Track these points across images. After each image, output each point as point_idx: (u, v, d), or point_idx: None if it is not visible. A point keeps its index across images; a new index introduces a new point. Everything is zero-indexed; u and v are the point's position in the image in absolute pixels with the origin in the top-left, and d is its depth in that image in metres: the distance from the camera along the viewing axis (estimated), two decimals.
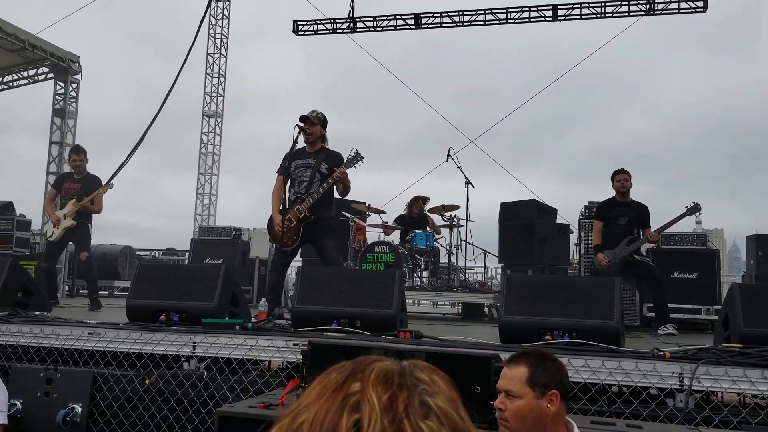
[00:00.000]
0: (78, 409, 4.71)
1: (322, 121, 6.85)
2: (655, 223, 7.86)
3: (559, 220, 11.91)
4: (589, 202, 9.73)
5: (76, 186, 8.49)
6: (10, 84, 15.80)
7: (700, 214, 7.77)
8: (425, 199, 11.25)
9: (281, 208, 6.61)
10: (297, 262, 10.56)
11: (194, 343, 4.89)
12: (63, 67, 14.49)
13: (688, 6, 14.50)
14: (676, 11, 14.58)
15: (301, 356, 3.88)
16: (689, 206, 7.73)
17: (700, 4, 14.41)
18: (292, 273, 10.14)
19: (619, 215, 7.88)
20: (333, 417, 0.81)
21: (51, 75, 14.89)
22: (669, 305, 7.54)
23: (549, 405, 2.69)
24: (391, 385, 0.83)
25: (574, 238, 11.11)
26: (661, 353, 4.18)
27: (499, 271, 12.80)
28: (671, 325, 7.21)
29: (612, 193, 8.05)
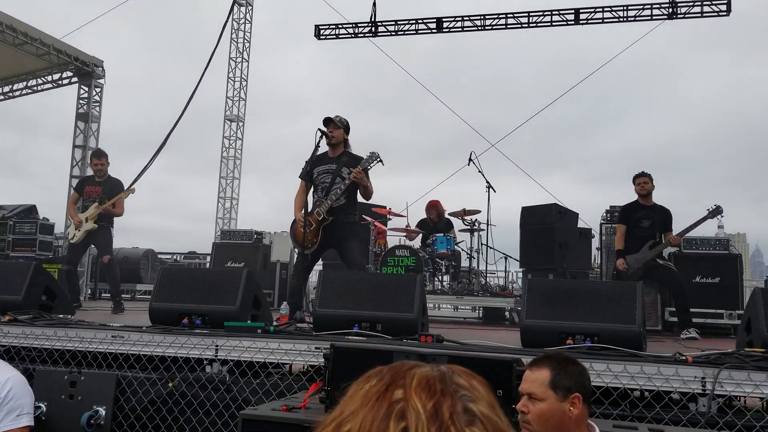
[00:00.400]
0: (102, 411, 4.75)
1: (345, 126, 6.88)
2: (677, 227, 7.82)
3: (580, 225, 11.87)
4: (610, 206, 9.67)
5: (98, 189, 8.57)
6: (35, 88, 15.96)
7: (722, 216, 7.71)
8: (436, 203, 11.26)
9: (303, 211, 6.64)
10: (318, 266, 10.61)
11: (217, 346, 4.92)
12: (87, 72, 14.62)
13: (711, 9, 14.40)
14: (699, 15, 14.49)
15: (323, 359, 3.89)
16: (710, 209, 7.67)
17: (723, 7, 14.31)
18: (312, 277, 10.19)
19: (642, 218, 7.84)
20: (379, 426, 0.81)
21: (75, 79, 15.02)
22: (691, 310, 7.49)
23: (571, 408, 2.70)
24: (435, 393, 0.84)
25: (595, 242, 11.06)
26: (684, 358, 4.16)
27: (520, 275, 12.76)
28: (693, 330, 7.17)
29: (635, 197, 8.01)
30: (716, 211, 7.64)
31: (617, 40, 15.90)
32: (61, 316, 6.05)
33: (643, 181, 7.88)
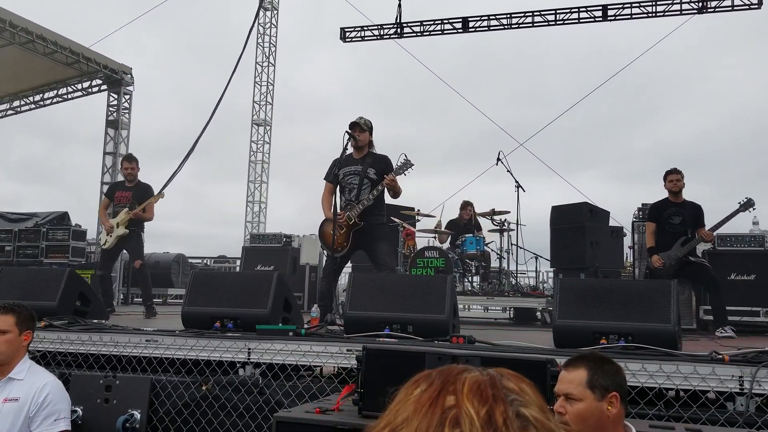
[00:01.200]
0: (137, 415, 4.79)
1: (370, 128, 6.93)
2: (709, 224, 7.71)
3: (612, 223, 11.76)
4: (642, 204, 9.58)
5: (128, 194, 8.66)
6: (65, 96, 16.20)
7: (754, 209, 7.59)
8: (468, 204, 11.24)
9: (333, 214, 6.67)
10: (348, 268, 10.62)
11: (249, 349, 4.94)
12: (116, 79, 14.80)
13: (742, 3, 14.19)
14: (730, 8, 14.29)
15: (356, 361, 3.89)
16: (742, 202, 7.57)
17: (755, 0, 14.10)
18: (342, 280, 10.20)
19: (673, 215, 7.76)
20: None
21: (104, 87, 15.22)
22: (727, 308, 7.39)
23: (609, 407, 2.67)
24: (487, 398, 0.83)
25: (627, 240, 10.95)
26: (720, 356, 4.10)
27: (551, 275, 12.69)
28: (729, 328, 7.07)
29: (665, 194, 7.93)
30: (748, 204, 7.53)
31: (649, 35, 15.71)
32: (96, 321, 6.12)
33: (675, 179, 7.80)
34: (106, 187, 14.19)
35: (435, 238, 10.88)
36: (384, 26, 16.66)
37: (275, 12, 19.21)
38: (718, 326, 7.17)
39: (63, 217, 13.59)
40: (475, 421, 0.80)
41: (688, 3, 14.55)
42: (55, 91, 16.19)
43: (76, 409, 4.74)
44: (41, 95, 16.48)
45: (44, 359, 5.39)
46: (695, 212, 7.78)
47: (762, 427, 3.72)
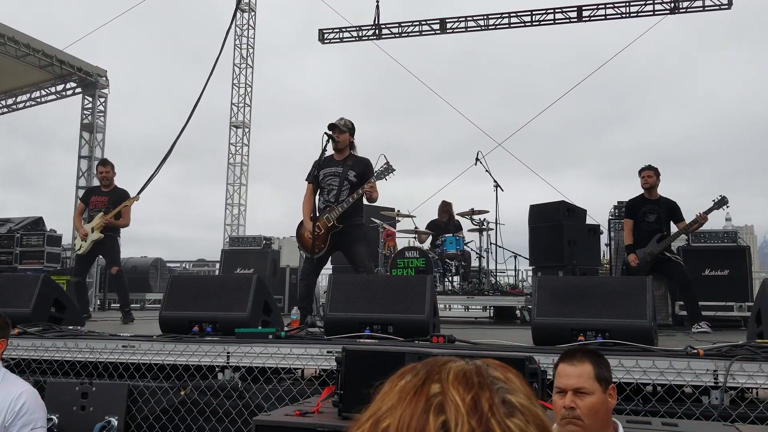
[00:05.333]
0: (114, 422, 4.75)
1: (351, 129, 6.90)
2: (686, 218, 7.79)
3: (588, 221, 11.83)
4: (618, 202, 9.66)
5: (104, 199, 8.57)
6: (39, 100, 16.04)
7: (727, 207, 7.67)
8: (448, 204, 11.27)
9: (311, 215, 6.65)
10: (328, 270, 10.59)
11: (228, 353, 4.92)
12: (90, 82, 14.68)
13: (712, 3, 14.39)
14: (701, 9, 14.50)
15: (335, 363, 3.88)
16: (716, 200, 7.65)
17: (725, 0, 14.30)
18: (323, 281, 10.17)
19: (648, 212, 7.86)
20: (419, 420, 0.80)
21: (79, 90, 15.09)
22: (701, 303, 7.49)
23: (610, 399, 2.71)
24: (472, 385, 0.83)
25: (604, 238, 11.03)
26: (695, 351, 4.15)
27: (530, 273, 12.74)
28: (705, 323, 7.14)
29: (641, 192, 8.01)
30: (722, 202, 7.62)
31: (631, 36, 15.88)
32: (71, 327, 6.06)
33: (647, 175, 7.90)
34: (81, 192, 14.08)
35: (415, 238, 10.88)
36: (362, 27, 16.68)
37: (253, 14, 19.13)
38: (694, 322, 7.24)
39: (38, 223, 13.44)
40: (461, 407, 0.80)
41: (660, 3, 14.71)
42: (29, 95, 16.02)
43: (52, 417, 4.69)
44: (14, 99, 16.31)
45: (18, 367, 5.33)
46: (670, 209, 7.88)
47: (736, 419, 3.76)
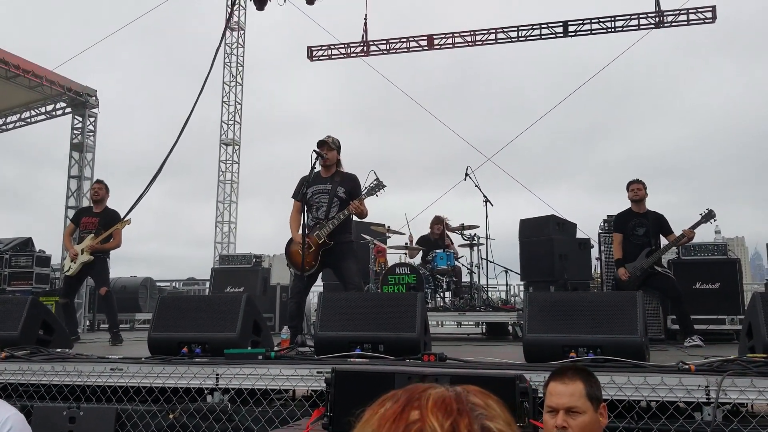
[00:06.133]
0: None
1: (338, 147, 6.93)
2: (675, 230, 7.80)
3: (579, 235, 11.85)
4: (607, 216, 9.66)
5: (95, 220, 8.52)
6: (28, 120, 15.97)
7: (715, 220, 7.71)
8: (440, 220, 11.25)
9: (301, 234, 6.63)
10: (318, 287, 10.55)
11: (217, 374, 4.87)
12: (80, 102, 14.65)
13: (696, 17, 14.54)
14: (686, 23, 14.63)
15: (325, 384, 3.85)
16: (703, 213, 7.70)
17: (709, 15, 14.49)
18: (313, 299, 10.13)
19: (637, 226, 7.87)
20: None
21: (69, 110, 15.06)
22: (693, 316, 7.49)
23: (601, 418, 2.69)
24: (451, 412, 0.82)
25: (595, 252, 11.04)
26: (687, 366, 4.13)
27: (522, 288, 12.73)
28: (697, 337, 7.14)
29: (629, 205, 8.02)
30: (709, 216, 7.66)
31: (620, 49, 16.00)
32: (59, 350, 5.99)
33: (636, 188, 7.92)
34: (70, 212, 14.01)
35: (406, 253, 10.86)
36: (351, 45, 16.74)
37: (242, 32, 19.18)
38: (686, 336, 7.24)
39: (27, 243, 13.36)
40: None
41: (645, 18, 14.81)
42: (18, 115, 15.96)
43: None
44: (3, 119, 16.24)
45: (5, 392, 5.27)
46: (659, 222, 7.90)
47: None
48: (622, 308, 4.75)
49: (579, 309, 4.85)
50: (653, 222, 7.86)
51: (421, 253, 10.92)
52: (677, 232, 7.74)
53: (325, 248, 6.65)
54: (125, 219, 8.58)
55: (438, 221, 11.27)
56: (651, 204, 7.99)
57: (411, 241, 11.12)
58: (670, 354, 6.08)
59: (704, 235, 7.68)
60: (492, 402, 0.89)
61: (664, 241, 7.92)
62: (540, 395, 3.25)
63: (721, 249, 8.65)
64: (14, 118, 16.09)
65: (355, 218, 6.92)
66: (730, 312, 8.08)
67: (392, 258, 11.15)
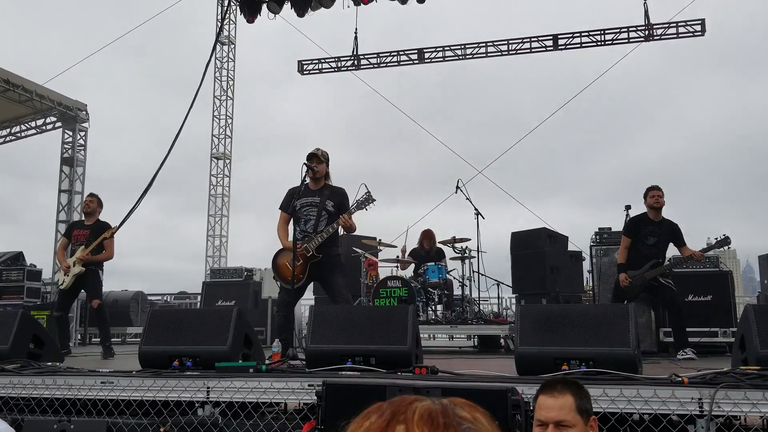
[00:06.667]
0: None
1: (327, 159, 6.93)
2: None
3: (570, 248, 11.86)
4: (599, 228, 9.66)
5: (86, 232, 8.50)
6: (18, 135, 15.95)
7: (729, 247, 7.67)
8: (430, 233, 11.25)
9: (291, 246, 6.61)
10: (309, 300, 10.52)
11: (208, 388, 4.85)
12: (71, 116, 14.65)
13: (686, 30, 14.63)
14: (675, 36, 14.71)
15: (316, 397, 3.83)
16: (719, 238, 7.52)
17: (698, 28, 14.57)
18: (304, 312, 10.10)
19: (649, 234, 7.68)
20: None
21: (59, 124, 15.05)
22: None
23: (591, 431, 2.68)
24: (438, 426, 0.82)
25: (586, 264, 11.04)
26: (679, 379, 4.12)
27: (514, 301, 12.73)
28: (690, 350, 7.13)
29: (621, 220, 8.00)
30: (724, 242, 7.49)
31: (611, 61, 16.05)
32: (50, 363, 5.96)
33: (657, 195, 7.71)
34: (62, 226, 13.97)
35: (397, 267, 10.85)
36: (341, 58, 16.77)
37: (233, 46, 19.20)
38: (680, 348, 7.22)
39: (17, 257, 13.30)
40: None
41: (635, 31, 14.89)
42: (8, 130, 15.94)
43: None
44: None
45: None
46: (673, 232, 7.72)
47: None
48: (614, 320, 4.74)
49: (571, 321, 4.84)
50: (667, 232, 7.69)
51: (413, 266, 10.92)
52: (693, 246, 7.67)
53: (314, 261, 6.63)
54: (110, 229, 8.53)
55: (427, 235, 11.27)
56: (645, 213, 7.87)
57: (404, 253, 11.12)
58: (662, 367, 6.08)
59: (696, 248, 7.64)
60: (479, 415, 0.88)
61: (671, 251, 7.82)
62: (533, 408, 3.25)
63: (713, 262, 8.66)
64: (4, 132, 16.06)
65: (344, 232, 6.92)
66: (722, 324, 8.09)
67: (384, 271, 11.15)
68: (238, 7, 16.35)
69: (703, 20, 14.52)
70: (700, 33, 14.59)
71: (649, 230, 7.71)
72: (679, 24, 14.63)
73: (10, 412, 5.20)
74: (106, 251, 8.48)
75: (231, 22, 19.11)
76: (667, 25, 14.69)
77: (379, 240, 11.11)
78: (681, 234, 7.75)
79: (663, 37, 14.76)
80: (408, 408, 0.86)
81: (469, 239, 10.48)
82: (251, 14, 14.25)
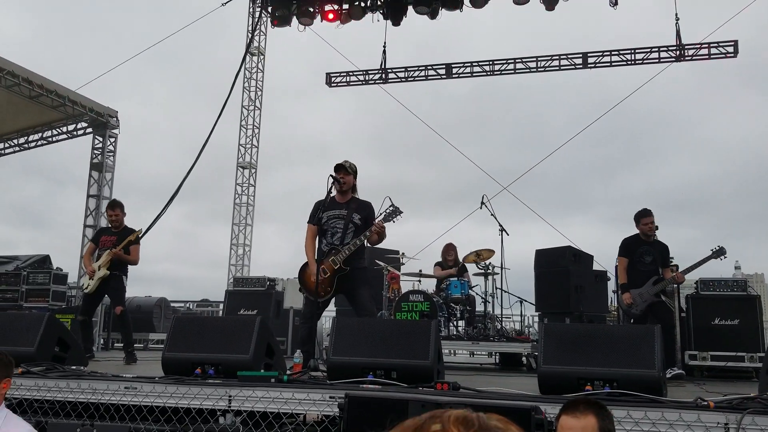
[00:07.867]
0: None
1: (355, 172, 6.92)
2: (688, 264, 7.79)
3: (595, 267, 11.78)
4: None
5: (113, 239, 8.58)
6: (50, 139, 16.19)
7: (725, 257, 7.70)
8: (451, 246, 11.21)
9: (316, 259, 6.61)
10: (331, 312, 10.51)
11: (230, 396, 4.86)
12: (101, 122, 14.84)
13: (718, 52, 14.51)
14: (707, 57, 14.60)
15: (338, 409, 3.83)
16: (714, 249, 7.71)
17: (731, 49, 14.45)
18: (326, 324, 10.10)
19: (645, 254, 7.88)
20: None
21: (90, 130, 15.24)
22: (711, 353, 7.53)
23: None
24: (472, 425, 0.82)
25: (611, 284, 10.96)
26: (706, 403, 4.07)
27: (536, 319, 12.65)
28: (677, 367, 7.24)
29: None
30: (719, 252, 7.68)
31: (641, 80, 15.94)
32: (74, 367, 6.00)
33: (650, 221, 7.92)
34: (89, 230, 14.12)
35: (419, 281, 10.82)
36: (369, 72, 16.85)
37: (262, 57, 19.35)
38: (667, 367, 7.21)
39: (44, 261, 13.48)
40: None
41: (666, 51, 14.82)
42: (40, 134, 16.17)
43: None
44: (26, 138, 16.46)
45: (20, 407, 5.27)
46: (664, 252, 7.94)
47: None
48: (639, 342, 4.70)
49: (596, 341, 4.81)
50: (659, 251, 7.91)
51: (436, 280, 10.88)
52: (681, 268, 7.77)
53: (341, 274, 6.63)
54: (135, 233, 8.60)
55: (449, 248, 11.23)
56: (675, 238, 7.98)
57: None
58: (687, 390, 6.01)
59: (723, 270, 7.62)
60: (514, 429, 0.89)
61: (699, 273, 7.95)
62: (555, 428, 3.22)
63: (741, 285, 8.55)
64: (36, 136, 16.30)
65: (368, 244, 6.92)
66: (749, 349, 7.97)
67: (406, 285, 11.12)
68: (268, 19, 16.51)
69: (735, 42, 14.43)
70: (732, 54, 14.49)
71: (645, 249, 7.91)
72: (711, 45, 14.54)
73: (35, 414, 5.24)
74: (132, 255, 8.56)
75: (261, 33, 19.27)
76: (698, 46, 14.60)
77: (403, 253, 11.10)
78: (668, 256, 7.97)
79: (695, 57, 14.67)
80: (443, 413, 0.88)
81: (493, 251, 10.41)
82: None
